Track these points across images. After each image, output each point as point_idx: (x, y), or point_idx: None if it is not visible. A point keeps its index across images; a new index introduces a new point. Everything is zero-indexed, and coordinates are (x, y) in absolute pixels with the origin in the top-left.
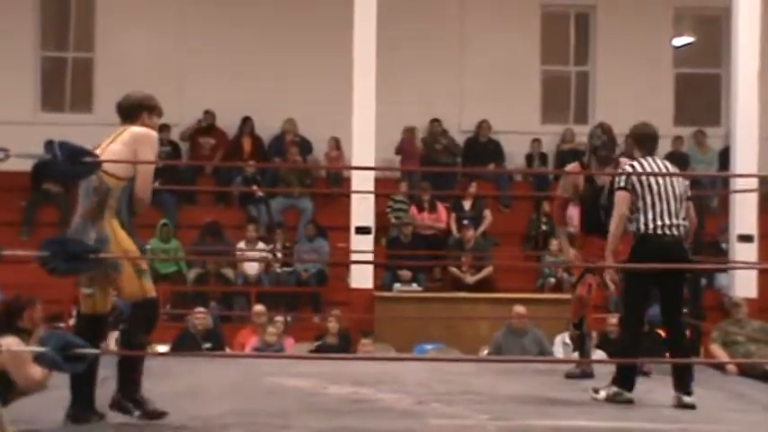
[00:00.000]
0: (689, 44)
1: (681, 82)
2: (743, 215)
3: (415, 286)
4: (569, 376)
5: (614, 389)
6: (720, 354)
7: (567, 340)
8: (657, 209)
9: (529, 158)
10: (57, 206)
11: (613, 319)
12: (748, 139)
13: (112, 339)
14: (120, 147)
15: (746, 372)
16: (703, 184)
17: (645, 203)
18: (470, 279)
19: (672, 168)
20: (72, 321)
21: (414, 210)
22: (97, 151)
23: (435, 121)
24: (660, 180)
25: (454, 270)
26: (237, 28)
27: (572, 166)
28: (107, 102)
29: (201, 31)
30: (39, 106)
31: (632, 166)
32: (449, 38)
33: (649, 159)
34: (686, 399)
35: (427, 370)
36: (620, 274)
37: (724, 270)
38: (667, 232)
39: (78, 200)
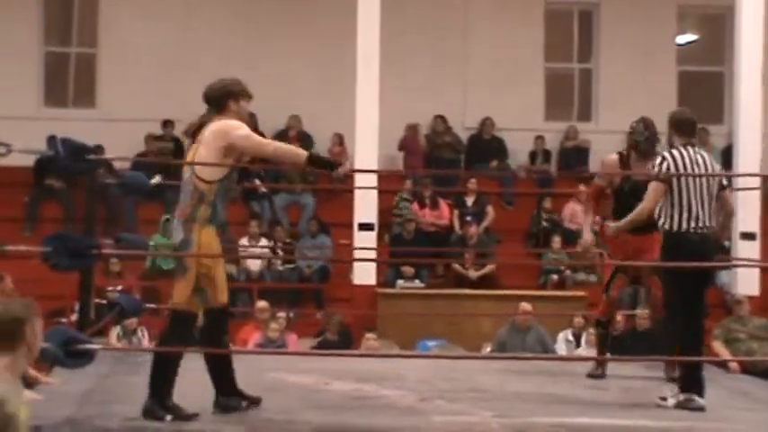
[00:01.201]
0: (692, 42)
1: (684, 80)
2: (746, 213)
3: (417, 283)
4: (591, 376)
5: (684, 395)
6: (723, 351)
7: (570, 337)
8: (694, 205)
9: (532, 155)
10: (59, 202)
11: (616, 317)
12: (751, 137)
13: (113, 335)
14: (204, 149)
15: (749, 369)
16: None
17: (681, 199)
18: (473, 275)
19: (708, 159)
20: (74, 317)
21: (416, 206)
22: (189, 152)
23: (439, 117)
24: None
25: (457, 266)
26: (241, 22)
27: (611, 158)
28: (110, 97)
29: (205, 27)
30: (42, 101)
31: (672, 156)
32: (452, 34)
33: (690, 150)
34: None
35: (430, 367)
36: (660, 275)
37: (727, 268)
38: (704, 231)
39: (179, 197)
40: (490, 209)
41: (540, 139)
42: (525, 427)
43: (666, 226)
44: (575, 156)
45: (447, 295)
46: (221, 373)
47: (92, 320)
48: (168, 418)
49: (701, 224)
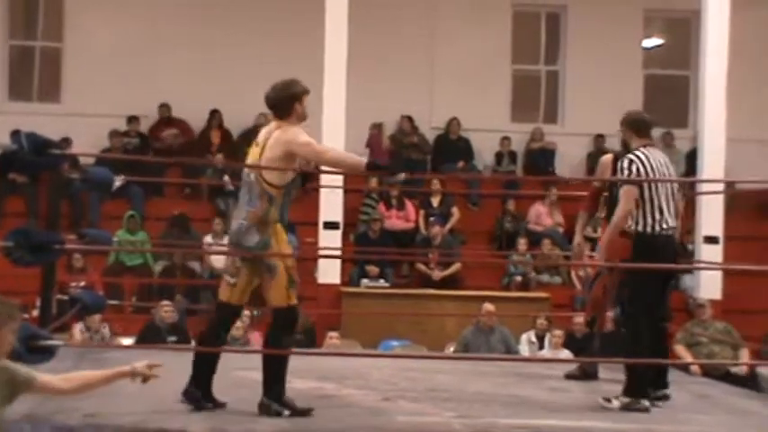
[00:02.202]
0: (658, 46)
1: (650, 83)
2: (709, 217)
3: (382, 282)
4: (570, 377)
5: (628, 398)
6: (684, 354)
7: (533, 338)
8: (665, 208)
9: (498, 156)
10: (23, 197)
11: (579, 318)
12: (715, 142)
13: (76, 330)
14: (269, 155)
15: (709, 372)
16: None
17: (652, 201)
18: (437, 276)
19: (666, 160)
20: (35, 312)
21: (382, 207)
22: (254, 154)
23: (406, 117)
24: (666, 176)
25: (422, 267)
26: (207, 19)
27: (606, 158)
28: (75, 92)
29: (171, 23)
30: (6, 95)
31: (638, 157)
32: (420, 35)
33: (652, 151)
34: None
35: (393, 366)
36: (623, 275)
37: (689, 271)
38: (671, 233)
39: (239, 202)
40: (455, 210)
41: (506, 140)
42: (487, 428)
43: (640, 228)
44: (540, 157)
45: (411, 295)
46: (205, 367)
47: (54, 316)
48: (286, 413)
49: (668, 226)
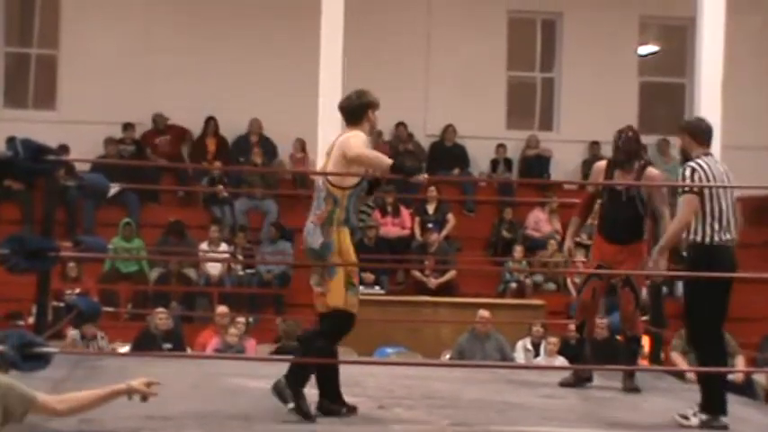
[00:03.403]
0: (654, 53)
1: (645, 90)
2: None
3: (377, 289)
4: (564, 384)
5: (706, 415)
6: (680, 361)
7: (529, 346)
8: (724, 218)
9: (494, 164)
10: (18, 203)
11: (572, 325)
12: (711, 148)
13: (70, 339)
14: (333, 162)
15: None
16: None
17: (712, 211)
18: (433, 283)
19: (725, 169)
20: (31, 320)
21: (377, 214)
22: (324, 163)
23: (401, 124)
24: (725, 184)
25: (417, 274)
26: (203, 27)
27: (600, 164)
28: (71, 99)
29: (167, 30)
30: (1, 102)
31: (700, 166)
32: (415, 42)
33: (712, 160)
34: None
35: (389, 374)
36: (686, 287)
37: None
38: (730, 245)
39: (312, 204)
40: (451, 216)
41: (501, 147)
42: None
43: (698, 238)
44: (536, 164)
45: (407, 302)
46: (328, 377)
47: (49, 323)
48: (291, 405)
49: (727, 237)
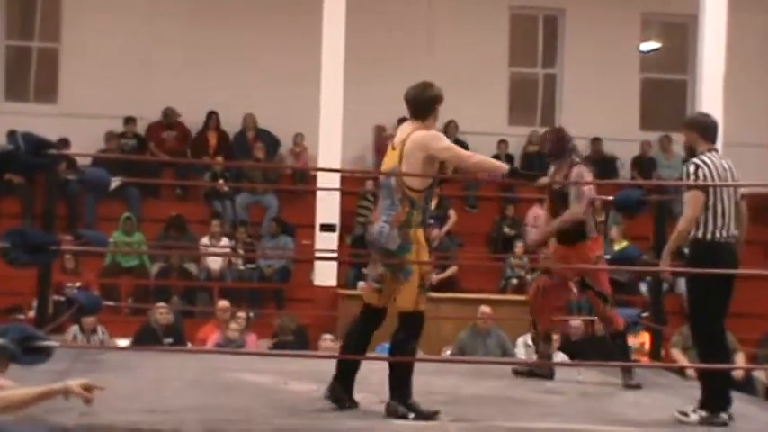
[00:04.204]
0: (656, 50)
1: (647, 87)
2: None
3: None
4: (517, 373)
5: (705, 412)
6: (681, 358)
7: (530, 342)
8: (728, 214)
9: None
10: (19, 197)
11: (576, 322)
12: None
13: (71, 333)
14: (407, 165)
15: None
16: (667, 190)
17: (714, 207)
18: (434, 279)
19: (729, 165)
20: (32, 313)
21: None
22: (392, 157)
23: (403, 120)
24: (729, 181)
25: None
26: (205, 21)
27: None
28: (72, 93)
29: (168, 24)
30: (2, 96)
31: (704, 163)
32: (417, 38)
33: (716, 156)
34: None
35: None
36: (688, 284)
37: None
38: (732, 241)
39: (380, 206)
40: (452, 212)
41: (503, 143)
42: (484, 431)
43: (699, 234)
44: (537, 161)
45: None
46: (351, 368)
47: (50, 317)
48: (411, 416)
49: (729, 233)
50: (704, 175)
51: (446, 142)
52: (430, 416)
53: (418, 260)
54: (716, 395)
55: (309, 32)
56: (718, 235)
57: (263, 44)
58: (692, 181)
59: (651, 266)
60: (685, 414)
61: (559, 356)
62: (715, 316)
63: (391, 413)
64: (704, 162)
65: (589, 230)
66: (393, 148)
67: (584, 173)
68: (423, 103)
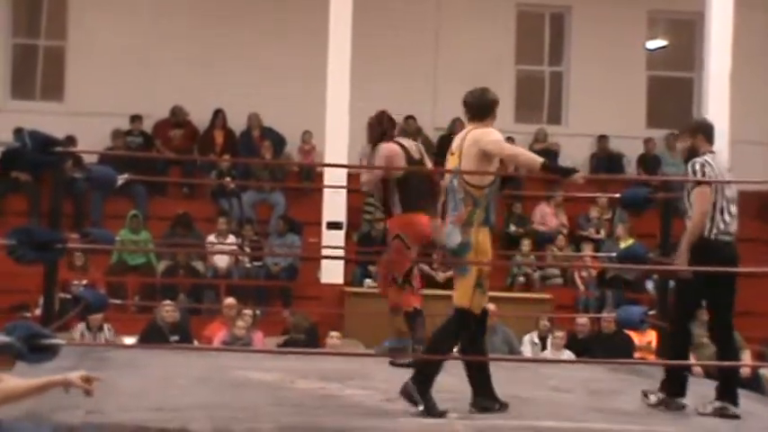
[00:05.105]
0: (662, 47)
1: (654, 84)
2: None
3: None
4: (394, 364)
5: (663, 395)
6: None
7: (536, 339)
8: (726, 213)
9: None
10: (26, 195)
11: (582, 320)
12: (719, 143)
13: (78, 331)
14: (465, 162)
15: (712, 374)
16: (673, 187)
17: (716, 205)
18: (441, 276)
19: (729, 168)
20: (38, 311)
21: None
22: (453, 162)
23: (410, 117)
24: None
25: (425, 267)
26: (211, 19)
27: (392, 147)
28: (78, 91)
29: (174, 22)
30: (9, 94)
31: (708, 163)
32: (424, 35)
33: (716, 157)
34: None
35: (397, 367)
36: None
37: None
38: (729, 238)
39: (446, 207)
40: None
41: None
42: (490, 429)
43: (704, 233)
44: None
45: None
46: (479, 373)
47: (56, 315)
48: (420, 407)
49: (728, 230)
50: (709, 174)
51: (495, 136)
52: (438, 413)
53: (478, 258)
54: (673, 382)
55: (316, 31)
56: (718, 233)
57: (270, 42)
58: (698, 178)
59: (657, 264)
60: (645, 395)
61: (565, 354)
62: (692, 310)
63: (404, 394)
64: (707, 161)
65: (393, 206)
66: (452, 154)
67: (381, 148)
68: (483, 107)
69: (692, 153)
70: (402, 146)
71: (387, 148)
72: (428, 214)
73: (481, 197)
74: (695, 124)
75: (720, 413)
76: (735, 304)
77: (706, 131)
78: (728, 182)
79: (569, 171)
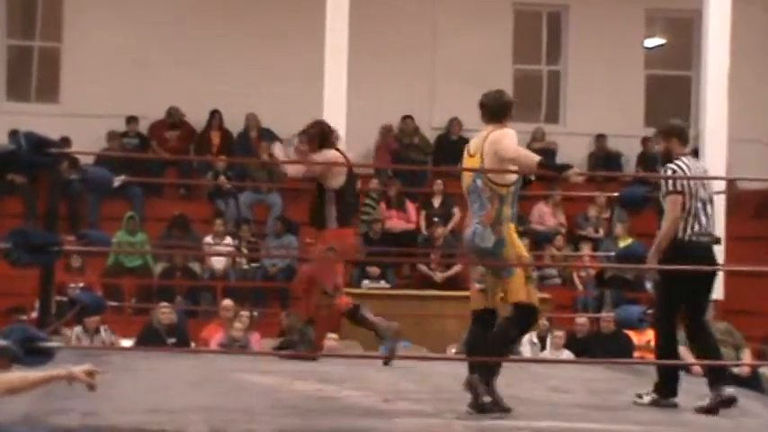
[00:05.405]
0: (660, 46)
1: (651, 83)
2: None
3: (383, 283)
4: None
5: (656, 395)
6: (686, 355)
7: (535, 339)
8: (701, 214)
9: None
10: (22, 197)
11: (581, 319)
12: (717, 142)
13: (74, 333)
14: (488, 162)
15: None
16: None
17: (690, 208)
18: (439, 277)
19: (703, 166)
20: (34, 314)
21: (383, 207)
22: (473, 164)
23: (407, 117)
24: (704, 183)
25: (423, 268)
26: (207, 19)
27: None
28: (73, 92)
29: (170, 23)
30: (4, 95)
31: (680, 167)
32: (421, 35)
33: (692, 159)
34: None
35: (394, 368)
36: (656, 279)
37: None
38: (703, 239)
39: (469, 211)
40: (457, 210)
41: None
42: (488, 430)
43: (678, 234)
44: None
45: (413, 296)
46: (488, 371)
47: (52, 318)
48: (487, 398)
49: (701, 231)
50: (681, 183)
51: (508, 138)
52: (506, 409)
53: (514, 252)
54: (666, 382)
55: (313, 30)
56: (692, 234)
57: (266, 42)
58: (670, 185)
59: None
60: (640, 396)
61: (565, 353)
62: (675, 309)
63: (469, 386)
64: (679, 166)
65: (329, 220)
66: (471, 155)
67: (326, 154)
68: (499, 109)
69: (666, 156)
70: (344, 155)
71: (332, 154)
72: (353, 229)
73: (507, 194)
74: (669, 128)
75: (657, 404)
76: (709, 302)
77: (680, 135)
78: (736, 179)
79: (564, 167)
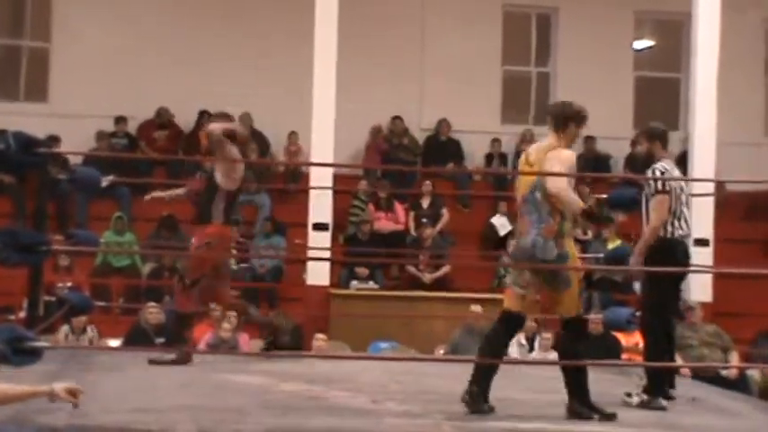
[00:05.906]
0: (649, 48)
1: (641, 85)
2: (699, 219)
3: (371, 284)
4: (154, 362)
5: (646, 396)
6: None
7: (523, 341)
8: (681, 215)
9: (488, 158)
10: (10, 197)
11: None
12: (706, 144)
13: (62, 333)
14: (539, 168)
15: (699, 375)
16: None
17: (674, 209)
18: (428, 278)
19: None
20: (22, 314)
21: (372, 208)
22: (529, 168)
23: (397, 118)
24: (684, 185)
25: (411, 269)
26: (196, 20)
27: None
28: (62, 92)
29: (159, 23)
30: None
31: (666, 169)
32: (410, 36)
33: (671, 163)
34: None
35: (382, 369)
36: (645, 280)
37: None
38: (684, 239)
39: (526, 220)
40: (445, 211)
41: (496, 141)
42: (477, 431)
43: (660, 233)
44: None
45: (401, 297)
46: (488, 372)
47: (40, 317)
48: (596, 416)
49: (683, 231)
50: (669, 183)
51: (559, 166)
52: (611, 416)
53: (572, 265)
54: (655, 382)
55: (301, 31)
56: (674, 232)
57: (255, 43)
58: (659, 185)
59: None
60: (629, 395)
61: (553, 355)
62: (661, 308)
63: (574, 415)
64: (665, 168)
65: (214, 215)
66: (529, 165)
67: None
68: (555, 117)
69: (648, 158)
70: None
71: (236, 153)
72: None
73: (566, 209)
74: (652, 131)
75: (646, 405)
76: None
77: (662, 138)
78: (725, 181)
79: (606, 219)
